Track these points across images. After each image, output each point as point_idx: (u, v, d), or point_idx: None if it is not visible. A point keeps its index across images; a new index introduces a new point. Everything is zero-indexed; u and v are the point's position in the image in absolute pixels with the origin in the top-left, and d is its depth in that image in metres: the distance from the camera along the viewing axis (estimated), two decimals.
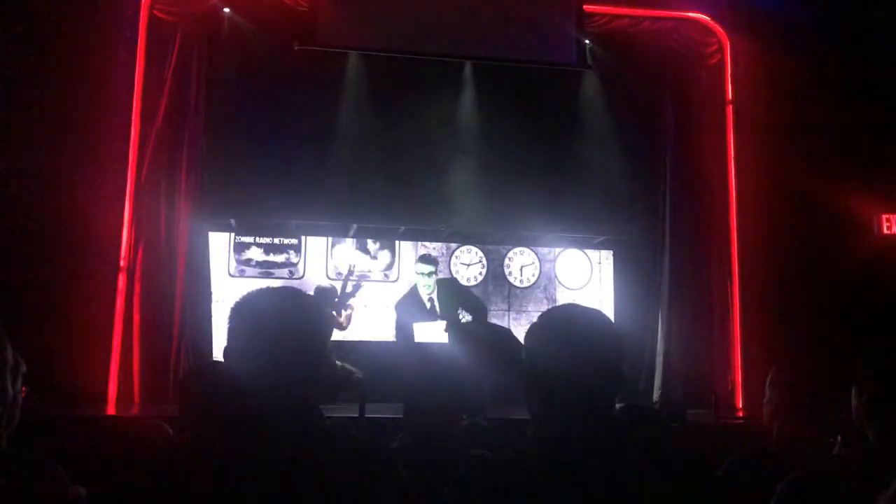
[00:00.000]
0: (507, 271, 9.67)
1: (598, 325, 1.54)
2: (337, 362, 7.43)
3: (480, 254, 9.65)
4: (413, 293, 6.90)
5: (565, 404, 1.46)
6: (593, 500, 1.35)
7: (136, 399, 7.39)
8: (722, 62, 8.91)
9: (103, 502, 1.49)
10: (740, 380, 8.41)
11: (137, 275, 7.64)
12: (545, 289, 9.72)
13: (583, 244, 9.75)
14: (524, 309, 9.61)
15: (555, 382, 1.48)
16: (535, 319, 1.60)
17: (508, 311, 9.60)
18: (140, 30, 7.83)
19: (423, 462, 1.78)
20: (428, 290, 6.79)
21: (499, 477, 1.40)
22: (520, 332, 7.88)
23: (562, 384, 1.47)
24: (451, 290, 6.98)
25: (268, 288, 1.52)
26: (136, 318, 7.56)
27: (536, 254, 9.75)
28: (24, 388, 1.79)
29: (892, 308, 7.47)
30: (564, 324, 1.55)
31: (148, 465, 1.36)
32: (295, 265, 9.17)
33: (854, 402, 1.59)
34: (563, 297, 9.65)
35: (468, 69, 8.92)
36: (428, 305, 6.79)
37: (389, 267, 9.38)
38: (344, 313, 7.74)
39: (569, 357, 1.47)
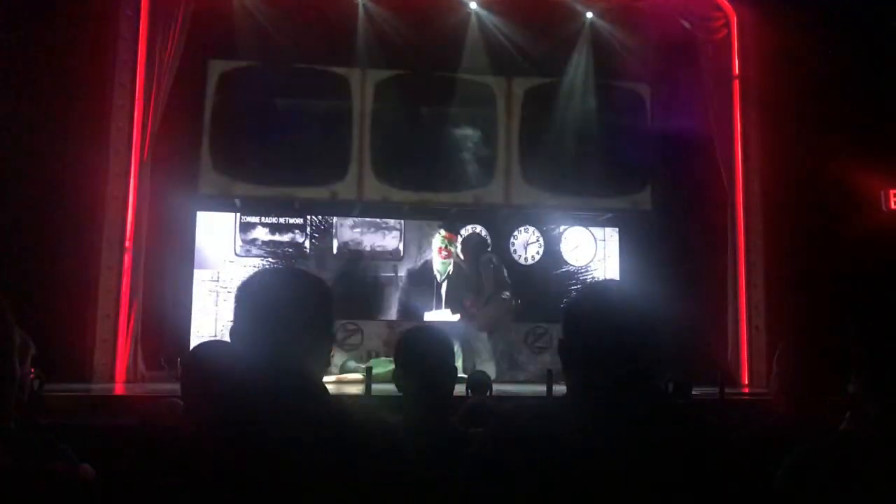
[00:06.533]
0: (511, 249, 9.64)
1: (633, 301, 1.55)
2: None
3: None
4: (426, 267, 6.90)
5: (601, 379, 1.47)
6: (622, 475, 1.35)
7: (142, 378, 7.49)
8: (729, 36, 8.82)
9: (113, 481, 1.51)
10: (746, 356, 8.41)
11: (139, 254, 7.69)
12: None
13: (588, 221, 9.71)
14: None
15: (591, 358, 1.49)
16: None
17: None
18: (142, 9, 7.79)
19: (426, 440, 1.78)
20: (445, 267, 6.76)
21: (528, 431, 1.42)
22: None
23: (598, 359, 1.48)
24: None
25: (272, 268, 1.53)
26: (126, 294, 7.61)
27: (540, 231, 9.71)
28: (32, 370, 1.80)
29: (891, 286, 7.41)
30: (599, 300, 1.56)
31: (155, 444, 1.37)
32: (301, 244, 9.17)
33: (853, 381, 1.59)
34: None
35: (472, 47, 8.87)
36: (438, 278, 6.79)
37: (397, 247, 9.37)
38: None
39: (604, 333, 1.49)
